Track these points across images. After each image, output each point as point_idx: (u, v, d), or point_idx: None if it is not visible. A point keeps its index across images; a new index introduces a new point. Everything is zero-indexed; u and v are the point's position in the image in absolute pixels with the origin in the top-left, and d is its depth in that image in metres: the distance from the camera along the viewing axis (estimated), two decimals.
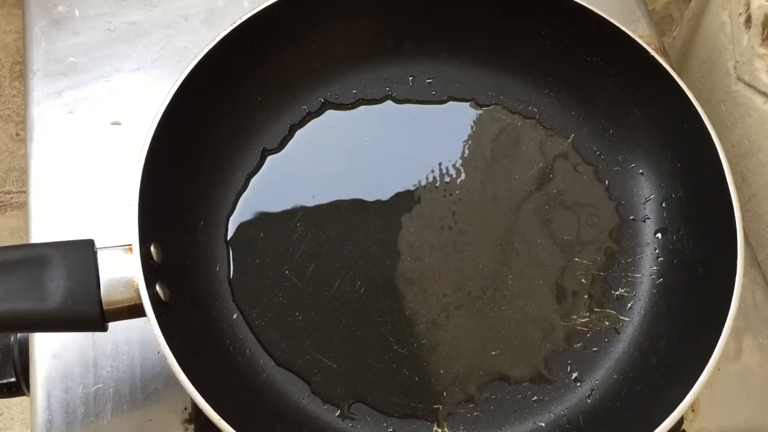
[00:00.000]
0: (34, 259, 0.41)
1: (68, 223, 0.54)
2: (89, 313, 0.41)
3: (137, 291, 0.41)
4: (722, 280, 0.44)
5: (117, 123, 0.57)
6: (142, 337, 0.49)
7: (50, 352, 0.49)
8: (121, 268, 0.42)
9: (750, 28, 0.58)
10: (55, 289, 0.41)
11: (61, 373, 0.49)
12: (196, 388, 0.39)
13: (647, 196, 0.53)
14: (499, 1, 0.54)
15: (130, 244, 0.42)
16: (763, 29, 0.57)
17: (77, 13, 0.61)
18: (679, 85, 0.49)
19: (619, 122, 0.54)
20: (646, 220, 0.53)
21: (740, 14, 0.60)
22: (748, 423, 0.51)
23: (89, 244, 0.43)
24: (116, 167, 0.55)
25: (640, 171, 0.54)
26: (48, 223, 0.53)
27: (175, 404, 0.48)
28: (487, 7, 0.55)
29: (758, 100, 0.58)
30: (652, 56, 0.50)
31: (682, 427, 0.49)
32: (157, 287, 0.42)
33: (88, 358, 0.49)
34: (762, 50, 0.57)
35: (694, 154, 0.49)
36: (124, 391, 0.48)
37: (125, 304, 0.42)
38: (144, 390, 0.48)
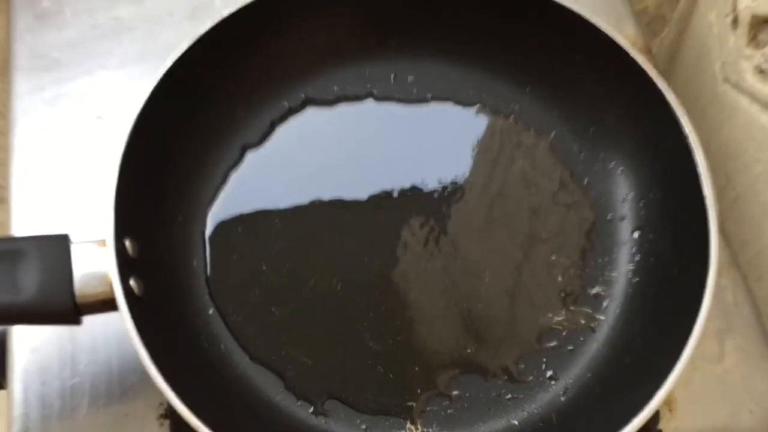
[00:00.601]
0: (9, 252, 0.42)
1: (50, 217, 0.54)
2: (62, 307, 0.41)
3: (111, 285, 0.41)
4: (696, 281, 0.44)
5: (99, 118, 0.57)
6: (120, 331, 0.49)
7: (28, 345, 0.49)
8: (95, 262, 0.42)
9: (737, 28, 0.58)
10: (29, 282, 0.41)
11: (38, 366, 0.49)
12: (168, 383, 0.39)
13: (625, 195, 0.53)
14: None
15: (104, 239, 0.42)
16: (750, 30, 0.57)
17: (62, 8, 0.61)
18: (657, 86, 0.49)
19: (599, 121, 0.54)
20: (624, 218, 0.53)
21: (727, 15, 0.60)
22: (725, 423, 0.51)
23: (64, 238, 0.43)
24: (98, 162, 0.55)
25: (620, 169, 0.54)
26: (29, 217, 0.54)
27: (151, 399, 0.48)
28: (470, 5, 0.55)
29: (744, 101, 0.58)
30: (632, 56, 0.50)
31: (659, 426, 0.49)
32: (131, 281, 0.42)
33: (65, 352, 0.49)
34: (748, 51, 0.57)
35: (672, 154, 0.49)
36: (101, 386, 0.48)
37: (99, 298, 0.42)
38: (121, 384, 0.48)
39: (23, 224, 0.53)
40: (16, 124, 0.57)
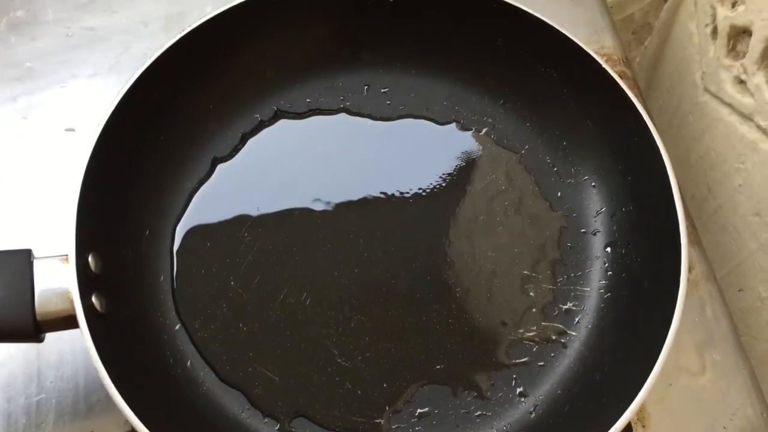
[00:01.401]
0: None
1: (18, 230, 0.53)
2: (22, 324, 0.41)
3: (72, 302, 0.41)
4: (668, 296, 0.44)
5: (71, 129, 0.57)
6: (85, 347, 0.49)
7: None
8: (57, 279, 0.41)
9: (716, 38, 0.58)
10: None
11: (4, 382, 0.48)
12: (128, 403, 0.39)
13: (598, 209, 0.53)
14: (454, 11, 0.54)
15: (67, 254, 0.42)
16: (729, 40, 0.56)
17: (36, 17, 0.60)
18: (630, 99, 0.49)
19: (572, 134, 0.54)
20: (597, 233, 0.52)
21: (707, 25, 0.59)
22: None
23: (26, 253, 0.42)
24: (69, 174, 0.54)
25: (592, 184, 0.54)
26: None
27: (117, 416, 0.47)
28: (442, 17, 0.54)
29: (723, 111, 0.57)
30: (604, 69, 0.49)
31: None
32: (93, 298, 0.42)
33: (31, 367, 0.49)
34: (727, 61, 0.57)
35: (644, 168, 0.49)
36: (67, 402, 0.48)
37: (60, 315, 0.41)
38: (87, 401, 0.48)
39: None
40: None
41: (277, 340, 0.48)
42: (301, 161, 0.54)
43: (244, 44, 0.53)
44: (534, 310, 0.50)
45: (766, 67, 0.52)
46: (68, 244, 0.42)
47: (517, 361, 0.49)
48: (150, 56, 0.49)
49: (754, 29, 0.52)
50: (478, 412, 0.47)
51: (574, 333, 0.49)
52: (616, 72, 0.50)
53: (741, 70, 0.55)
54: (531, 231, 0.52)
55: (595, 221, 0.53)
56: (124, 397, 0.39)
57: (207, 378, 0.47)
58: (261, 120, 0.55)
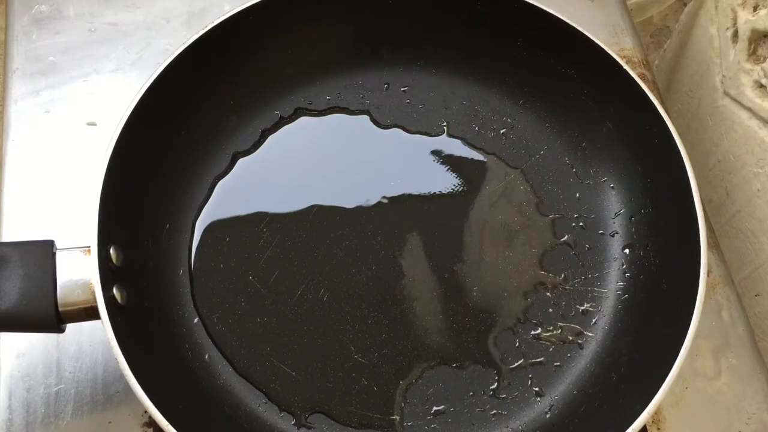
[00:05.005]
0: None
1: (41, 222, 0.54)
2: (44, 314, 0.41)
3: (94, 293, 0.41)
4: (686, 299, 0.44)
5: (93, 123, 0.57)
6: (106, 339, 0.49)
7: (14, 351, 0.49)
8: (79, 270, 0.42)
9: (737, 42, 0.57)
10: (11, 289, 0.41)
11: (24, 372, 0.49)
12: (147, 393, 0.39)
13: (617, 211, 0.53)
14: (475, 10, 0.54)
15: (89, 246, 0.42)
16: (749, 44, 0.56)
17: (59, 12, 0.61)
18: (650, 101, 0.49)
19: (592, 135, 0.54)
20: (615, 234, 0.52)
21: (728, 28, 0.59)
22: None
23: (49, 244, 0.43)
24: (90, 168, 0.55)
25: (611, 185, 0.53)
26: (20, 222, 0.54)
27: (135, 407, 0.48)
28: (463, 17, 0.55)
29: (743, 115, 0.57)
30: (625, 70, 0.49)
31: None
32: (115, 290, 0.42)
33: (51, 358, 0.49)
34: (748, 65, 0.56)
35: (664, 170, 0.49)
36: (86, 393, 0.48)
37: (82, 306, 0.42)
38: (105, 392, 0.48)
39: (13, 228, 0.53)
40: (10, 127, 0.57)
41: (295, 335, 0.48)
42: (320, 158, 0.54)
43: (264, 41, 0.54)
44: (551, 310, 0.50)
45: None
46: (90, 236, 0.42)
47: (534, 360, 0.49)
48: (172, 52, 0.49)
49: None
50: (494, 411, 0.47)
51: (590, 334, 0.49)
52: (636, 74, 0.50)
53: (761, 74, 0.55)
54: (548, 232, 0.53)
55: (614, 223, 0.53)
56: (144, 387, 0.39)
57: (224, 371, 0.47)
58: (281, 116, 0.55)
